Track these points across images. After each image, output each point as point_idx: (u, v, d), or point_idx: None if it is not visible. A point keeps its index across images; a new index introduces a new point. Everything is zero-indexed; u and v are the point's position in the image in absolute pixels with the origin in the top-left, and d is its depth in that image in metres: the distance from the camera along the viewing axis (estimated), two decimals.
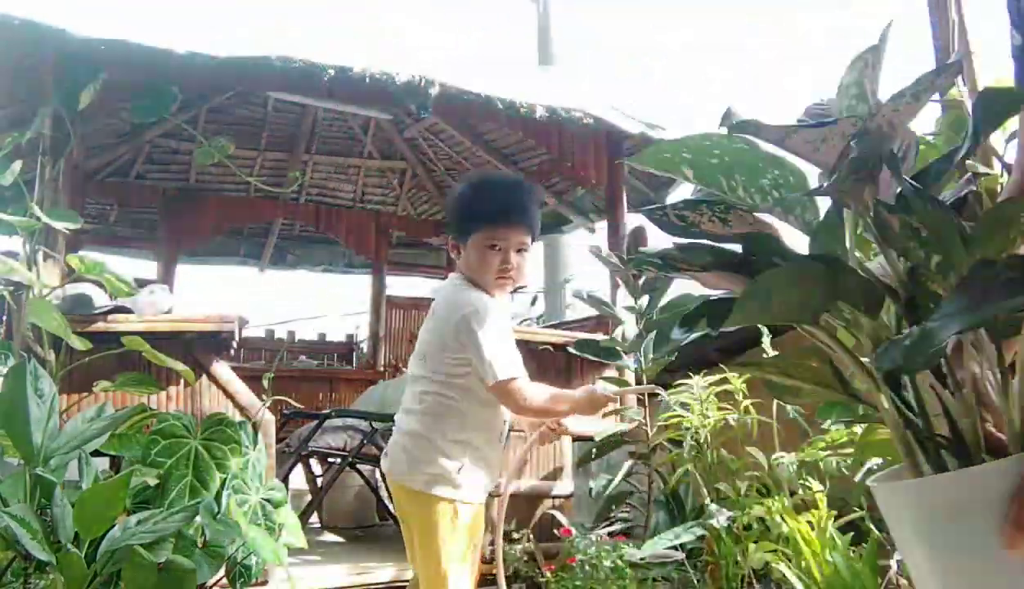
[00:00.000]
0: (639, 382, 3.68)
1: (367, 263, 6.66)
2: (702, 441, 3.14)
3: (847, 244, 0.97)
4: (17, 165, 2.89)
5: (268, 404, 2.99)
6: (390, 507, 5.04)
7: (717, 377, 3.18)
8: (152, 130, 5.07)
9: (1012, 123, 2.15)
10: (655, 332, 3.65)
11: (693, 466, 3.16)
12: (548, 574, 3.09)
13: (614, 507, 3.52)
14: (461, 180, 2.26)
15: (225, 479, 2.69)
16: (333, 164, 6.11)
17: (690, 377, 3.22)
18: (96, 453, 2.64)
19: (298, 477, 5.15)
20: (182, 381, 2.97)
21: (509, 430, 2.17)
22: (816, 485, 2.73)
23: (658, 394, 2.60)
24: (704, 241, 1.03)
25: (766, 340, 3.32)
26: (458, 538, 1.94)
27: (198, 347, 3.03)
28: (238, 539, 2.50)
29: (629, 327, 3.59)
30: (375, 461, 4.43)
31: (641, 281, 3.70)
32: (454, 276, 2.10)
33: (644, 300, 3.65)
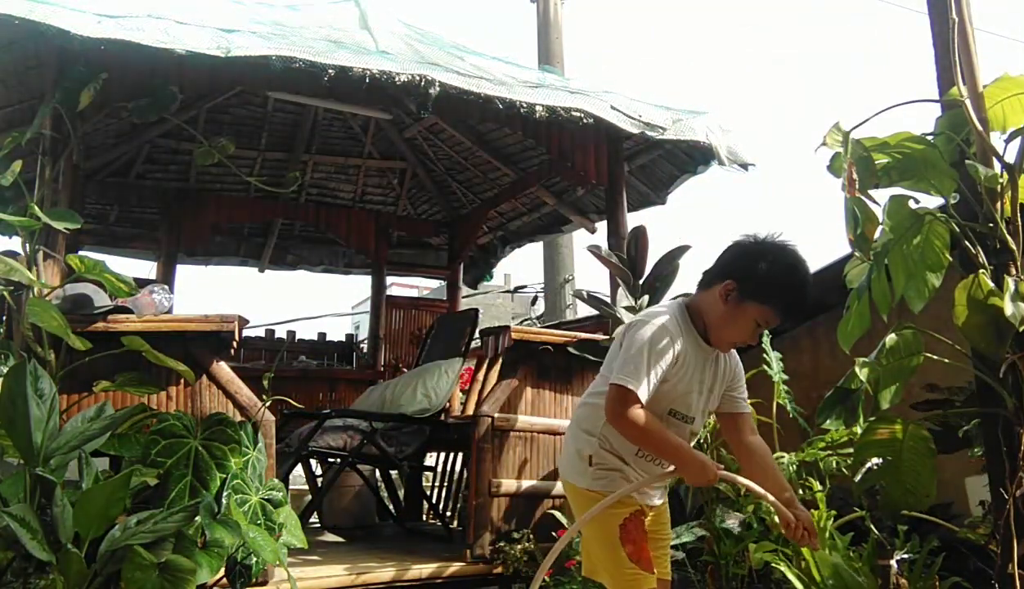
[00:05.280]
0: None
1: (367, 263, 6.65)
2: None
3: None
4: (17, 165, 2.89)
5: (268, 404, 2.99)
6: (390, 507, 5.04)
7: None
8: (152, 130, 5.06)
9: (1011, 123, 2.15)
10: None
11: None
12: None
13: None
14: (786, 253, 2.01)
15: (225, 479, 2.69)
16: (333, 164, 6.10)
17: None
18: (96, 453, 2.64)
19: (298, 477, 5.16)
20: (182, 381, 2.97)
21: None
22: (816, 485, 2.73)
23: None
24: None
25: (766, 340, 3.32)
26: None
27: (198, 347, 3.03)
28: (238, 539, 2.50)
29: None
30: (375, 461, 4.43)
31: (641, 281, 3.70)
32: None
33: (644, 300, 3.65)
